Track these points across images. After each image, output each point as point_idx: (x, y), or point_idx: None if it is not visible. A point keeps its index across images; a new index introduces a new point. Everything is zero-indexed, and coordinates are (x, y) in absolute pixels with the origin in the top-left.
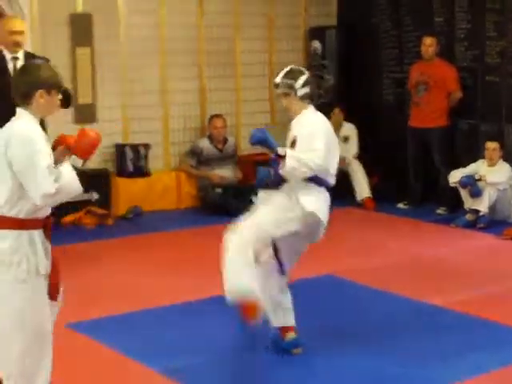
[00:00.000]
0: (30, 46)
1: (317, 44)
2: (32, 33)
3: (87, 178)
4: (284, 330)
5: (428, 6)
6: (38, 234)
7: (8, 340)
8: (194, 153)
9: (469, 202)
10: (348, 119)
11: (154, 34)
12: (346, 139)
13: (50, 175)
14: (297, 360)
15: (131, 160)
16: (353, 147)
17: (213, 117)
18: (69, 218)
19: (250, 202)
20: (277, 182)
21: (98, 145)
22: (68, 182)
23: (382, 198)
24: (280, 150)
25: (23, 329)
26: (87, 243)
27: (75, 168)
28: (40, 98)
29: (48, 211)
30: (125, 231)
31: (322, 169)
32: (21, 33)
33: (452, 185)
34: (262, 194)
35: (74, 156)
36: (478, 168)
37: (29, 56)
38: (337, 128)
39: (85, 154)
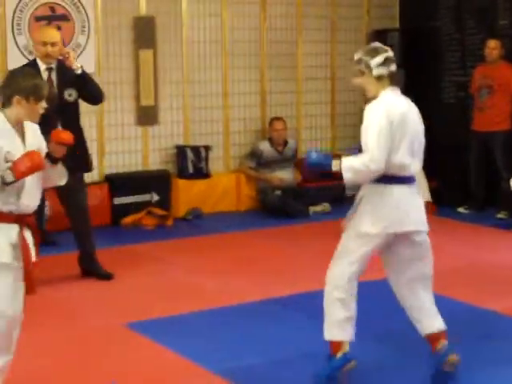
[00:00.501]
0: (94, 49)
1: None
2: (96, 35)
3: (148, 179)
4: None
5: (492, 9)
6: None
7: None
8: (254, 155)
9: None
10: None
11: (217, 36)
12: None
13: None
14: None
15: (192, 161)
16: None
17: (273, 119)
18: (129, 219)
19: (309, 205)
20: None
21: (36, 171)
22: None
23: (443, 202)
24: (334, 166)
25: None
26: (147, 244)
27: (3, 180)
28: (17, 103)
29: (24, 209)
30: (184, 232)
31: (380, 171)
32: (53, 44)
33: None
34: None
35: (8, 170)
36: None
37: (60, 67)
38: None
39: (18, 174)
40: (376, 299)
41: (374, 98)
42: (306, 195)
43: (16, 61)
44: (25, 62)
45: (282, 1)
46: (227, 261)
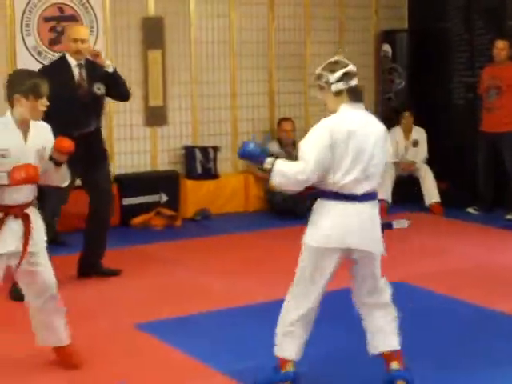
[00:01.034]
0: (102, 49)
1: (387, 48)
2: (105, 36)
3: (156, 180)
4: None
5: (501, 10)
6: None
7: None
8: None
9: None
10: (418, 123)
11: (225, 37)
12: (415, 143)
13: None
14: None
15: (200, 162)
16: (422, 151)
17: (282, 120)
18: (138, 220)
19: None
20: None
21: (29, 183)
22: None
23: (452, 203)
24: (267, 163)
25: None
26: (156, 244)
27: None
28: (18, 102)
29: (15, 200)
30: (193, 233)
31: (307, 182)
32: (83, 41)
33: None
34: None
35: (4, 173)
36: None
37: (89, 63)
38: (407, 132)
39: (13, 181)
40: None
41: (334, 112)
42: (315, 196)
43: (25, 61)
44: (34, 62)
45: (289, 1)
46: (235, 261)
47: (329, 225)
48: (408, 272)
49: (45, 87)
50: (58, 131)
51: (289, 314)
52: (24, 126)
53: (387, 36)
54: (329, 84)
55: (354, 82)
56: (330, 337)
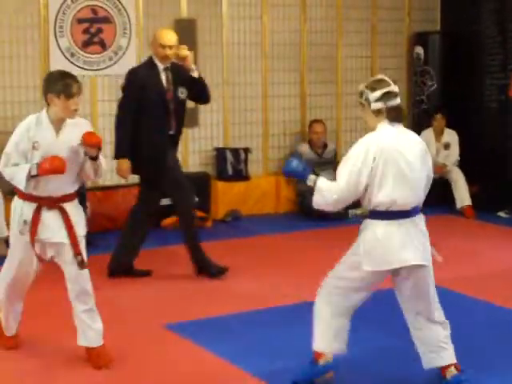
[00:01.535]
0: (135, 51)
1: (420, 50)
2: (137, 38)
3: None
4: None
5: None
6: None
7: None
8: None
9: None
10: (450, 126)
11: (257, 39)
12: (446, 146)
13: (3, 159)
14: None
15: (231, 164)
16: (454, 154)
17: (313, 122)
18: (169, 221)
19: (348, 208)
20: None
21: (55, 173)
22: (10, 172)
23: (483, 206)
24: (309, 180)
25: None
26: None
27: (30, 172)
28: (51, 100)
29: (47, 192)
30: (223, 234)
31: (341, 202)
32: (170, 47)
33: None
34: None
35: (35, 164)
36: None
37: (174, 66)
38: (438, 134)
39: (41, 171)
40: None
41: (373, 130)
42: None
43: (58, 63)
44: (67, 64)
45: (322, 3)
46: (265, 263)
47: (369, 249)
48: (443, 276)
49: (75, 88)
50: (146, 133)
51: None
52: (58, 123)
53: (420, 38)
54: (368, 102)
55: (394, 102)
56: (369, 339)
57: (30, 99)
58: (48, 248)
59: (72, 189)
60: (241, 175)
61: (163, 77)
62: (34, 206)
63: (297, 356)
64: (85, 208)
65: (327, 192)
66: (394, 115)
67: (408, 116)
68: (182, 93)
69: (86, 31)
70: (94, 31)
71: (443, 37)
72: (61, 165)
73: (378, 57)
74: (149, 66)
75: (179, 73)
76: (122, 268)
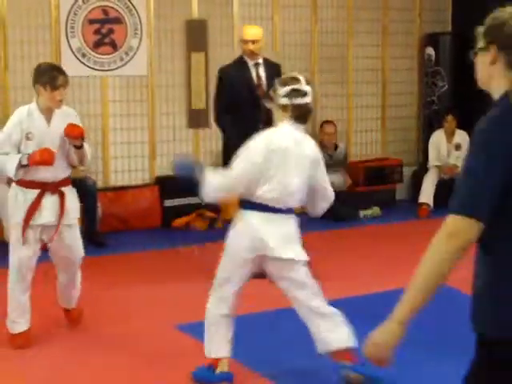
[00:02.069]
0: (146, 52)
1: (431, 51)
2: (148, 38)
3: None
4: None
5: None
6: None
7: None
8: None
9: None
10: (461, 126)
11: (268, 39)
12: (457, 147)
13: None
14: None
15: None
16: (464, 155)
17: (324, 123)
18: (180, 221)
19: (359, 209)
20: None
21: (44, 165)
22: (0, 160)
23: None
24: (200, 177)
25: None
26: (197, 245)
27: (21, 162)
28: (38, 91)
29: (49, 178)
30: None
31: (227, 191)
32: (253, 42)
33: None
34: None
35: (26, 155)
36: None
37: (266, 61)
38: (449, 135)
39: (31, 162)
40: None
41: (276, 125)
42: (357, 199)
43: (69, 63)
44: (78, 64)
45: (333, 4)
46: None
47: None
48: (454, 277)
49: (61, 80)
50: (237, 128)
51: None
52: (48, 113)
53: (431, 39)
54: (277, 96)
55: (300, 101)
56: None
57: None
58: (45, 232)
59: (68, 173)
60: None
61: (253, 72)
62: (36, 192)
63: (309, 357)
64: (96, 208)
65: (219, 179)
66: (298, 114)
67: (419, 117)
68: None
69: (97, 32)
70: (105, 32)
71: (454, 38)
72: (50, 157)
73: (388, 58)
74: (238, 63)
75: (271, 68)
76: None
